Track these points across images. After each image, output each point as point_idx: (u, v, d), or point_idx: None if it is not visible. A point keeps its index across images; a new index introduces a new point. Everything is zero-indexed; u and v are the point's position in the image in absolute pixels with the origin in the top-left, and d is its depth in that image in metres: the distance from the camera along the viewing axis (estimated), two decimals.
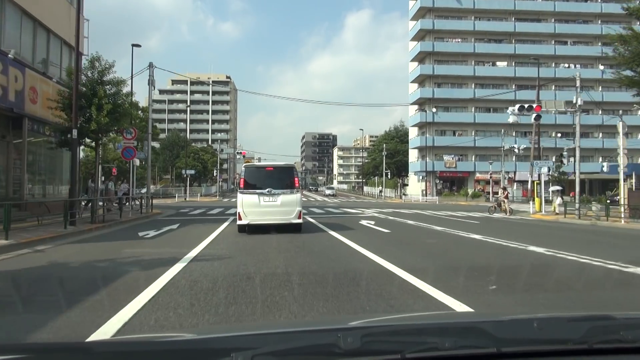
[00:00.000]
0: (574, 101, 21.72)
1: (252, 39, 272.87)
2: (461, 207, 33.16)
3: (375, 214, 20.64)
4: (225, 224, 15.18)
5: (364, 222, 15.65)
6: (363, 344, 1.16)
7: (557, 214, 25.21)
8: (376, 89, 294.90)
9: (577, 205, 21.66)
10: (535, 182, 28.91)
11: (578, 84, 21.83)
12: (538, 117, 21.86)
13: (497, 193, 54.50)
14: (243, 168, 13.64)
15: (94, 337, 3.39)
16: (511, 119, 21.74)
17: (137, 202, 20.86)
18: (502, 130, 51.14)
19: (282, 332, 1.50)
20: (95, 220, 14.29)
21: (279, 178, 13.02)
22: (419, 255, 8.38)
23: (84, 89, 14.12)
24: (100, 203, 16.95)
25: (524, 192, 50.73)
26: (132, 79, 26.48)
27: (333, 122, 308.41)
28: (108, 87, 14.81)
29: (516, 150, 46.21)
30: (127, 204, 21.67)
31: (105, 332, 3.54)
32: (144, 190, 56.99)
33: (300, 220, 12.77)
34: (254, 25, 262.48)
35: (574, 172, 50.14)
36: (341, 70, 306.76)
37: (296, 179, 13.30)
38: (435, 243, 10.20)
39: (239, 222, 12.41)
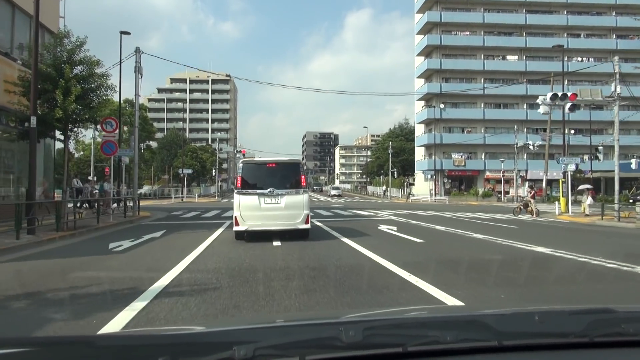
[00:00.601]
0: (613, 89, 19.32)
1: (253, 38, 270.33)
2: (475, 208, 30.77)
3: (392, 217, 18.23)
4: (220, 230, 12.86)
5: (383, 228, 13.26)
6: (365, 337, 1.15)
7: (587, 215, 22.87)
8: (376, 88, 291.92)
9: (616, 207, 19.28)
10: (560, 181, 26.57)
11: (617, 69, 19.45)
12: (573, 107, 19.46)
13: (508, 192, 52.48)
14: (240, 164, 11.36)
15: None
16: (542, 110, 19.40)
17: (124, 204, 18.41)
18: (515, 127, 48.78)
19: (284, 325, 1.51)
20: (63, 227, 11.93)
21: (282, 176, 10.92)
22: (520, 295, 5.23)
23: (49, 69, 11.69)
24: (78, 205, 14.61)
25: (538, 190, 48.28)
26: (120, 69, 24.16)
27: (333, 122, 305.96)
28: (79, 68, 12.39)
29: (531, 147, 43.78)
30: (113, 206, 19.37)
31: None
32: (142, 191, 54.89)
33: (307, 226, 10.65)
34: (254, 25, 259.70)
35: (591, 170, 47.40)
36: (341, 70, 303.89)
37: (303, 176, 11.12)
38: (505, 262, 7.55)
39: (235, 229, 10.36)
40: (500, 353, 1.18)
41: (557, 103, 19.19)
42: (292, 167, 11.31)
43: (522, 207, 23.07)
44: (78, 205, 19.58)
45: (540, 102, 19.20)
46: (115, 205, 18.21)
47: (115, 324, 3.77)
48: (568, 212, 24.45)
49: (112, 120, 15.56)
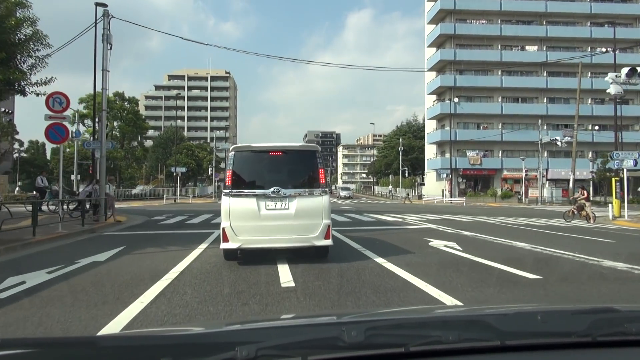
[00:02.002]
0: None
1: (253, 39, 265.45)
2: (502, 211, 26.82)
3: (432, 225, 14.10)
4: (202, 247, 8.98)
5: (439, 245, 9.17)
6: (367, 337, 1.15)
7: None
8: (377, 89, 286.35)
9: None
10: (614, 180, 22.65)
11: None
12: None
13: (526, 194, 48.49)
14: (231, 153, 7.53)
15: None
16: (613, 90, 15.52)
17: (81, 208, 14.30)
18: (540, 121, 44.77)
19: (286, 326, 1.50)
20: None
21: (292, 169, 7.57)
22: None
23: None
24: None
25: (564, 191, 44.24)
26: (94, 43, 20.18)
27: (334, 123, 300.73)
28: None
29: (558, 144, 39.77)
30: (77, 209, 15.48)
31: None
32: (134, 191, 50.86)
33: (328, 242, 7.11)
34: (255, 26, 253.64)
35: (622, 169, 43.38)
36: (342, 71, 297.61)
37: (321, 170, 7.38)
38: None
39: (223, 246, 6.94)
40: (502, 353, 1.16)
41: (633, 82, 15.24)
42: (306, 156, 7.56)
43: (574, 211, 19.13)
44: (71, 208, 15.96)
45: (610, 80, 15.30)
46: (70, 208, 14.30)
47: None
48: (623, 216, 20.71)
49: (61, 96, 11.55)
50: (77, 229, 12.25)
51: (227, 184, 7.23)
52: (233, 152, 7.42)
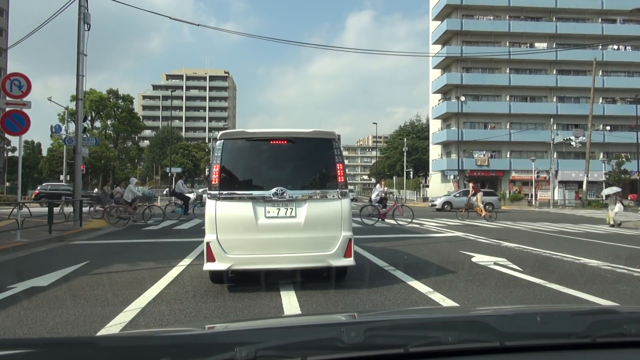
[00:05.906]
0: None
1: (254, 40, 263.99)
2: (517, 215, 24.91)
3: (458, 234, 12.06)
4: (186, 263, 7.16)
5: (486, 262, 7.11)
6: (366, 338, 1.14)
7: None
8: (377, 90, 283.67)
9: None
10: None
11: None
12: None
13: (536, 196, 46.61)
14: (219, 142, 5.68)
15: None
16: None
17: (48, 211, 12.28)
18: (552, 120, 42.89)
19: (285, 326, 1.51)
20: None
21: (299, 165, 5.82)
22: None
23: None
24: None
25: (577, 194, 42.26)
26: (78, 27, 18.36)
27: (334, 124, 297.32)
28: None
29: (573, 144, 37.94)
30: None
31: None
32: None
33: (349, 261, 5.38)
34: (255, 27, 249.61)
35: (638, 171, 41.14)
36: (342, 72, 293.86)
37: (339, 165, 5.61)
38: None
39: (208, 267, 5.18)
40: (501, 354, 1.16)
41: None
42: (320, 146, 5.75)
43: (466, 210, 18.58)
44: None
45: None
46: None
47: None
48: None
49: (20, 78, 9.61)
50: (41, 237, 10.32)
51: (213, 182, 5.39)
52: (222, 141, 5.56)
